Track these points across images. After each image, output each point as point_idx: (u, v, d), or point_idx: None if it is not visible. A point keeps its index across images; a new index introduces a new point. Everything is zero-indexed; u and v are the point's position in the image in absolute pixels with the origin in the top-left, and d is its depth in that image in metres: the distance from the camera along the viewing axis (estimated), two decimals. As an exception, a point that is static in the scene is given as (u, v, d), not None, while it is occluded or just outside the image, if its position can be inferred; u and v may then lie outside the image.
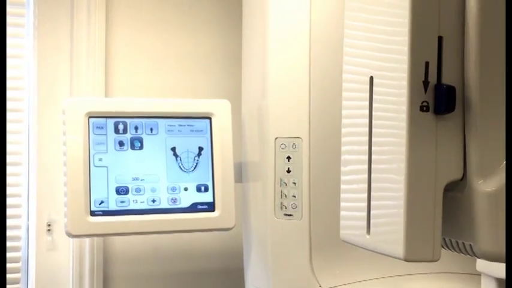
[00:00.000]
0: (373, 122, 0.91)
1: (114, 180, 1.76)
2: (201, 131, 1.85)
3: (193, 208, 1.82)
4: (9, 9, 2.03)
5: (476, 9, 0.85)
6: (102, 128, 1.76)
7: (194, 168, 1.84)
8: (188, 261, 2.27)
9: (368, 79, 0.92)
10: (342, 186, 1.00)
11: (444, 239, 0.90)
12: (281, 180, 1.75)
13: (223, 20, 2.31)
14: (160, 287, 2.25)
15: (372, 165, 0.91)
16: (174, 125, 1.83)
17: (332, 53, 1.67)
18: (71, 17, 2.12)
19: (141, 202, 1.78)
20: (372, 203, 0.91)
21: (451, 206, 0.87)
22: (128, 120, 1.79)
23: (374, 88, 0.91)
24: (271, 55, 1.76)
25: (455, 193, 0.87)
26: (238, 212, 1.90)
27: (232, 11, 2.22)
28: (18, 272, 2.10)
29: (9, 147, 2.04)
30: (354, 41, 0.99)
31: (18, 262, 2.10)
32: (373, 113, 0.91)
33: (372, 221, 0.91)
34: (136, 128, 1.80)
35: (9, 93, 2.02)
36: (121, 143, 1.78)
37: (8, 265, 2.04)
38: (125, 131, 1.79)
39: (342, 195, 1.00)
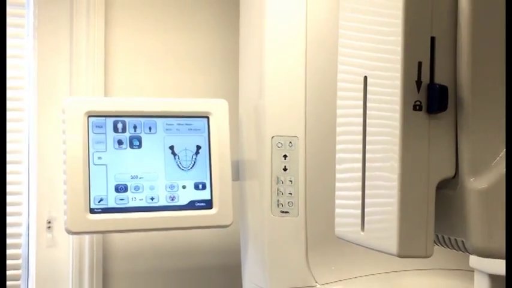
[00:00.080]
0: (367, 121, 0.92)
1: (113, 178, 1.77)
2: (199, 130, 1.86)
3: (191, 206, 1.83)
4: (9, 10, 2.03)
5: (469, 9, 0.85)
6: (101, 127, 1.77)
7: (192, 166, 1.84)
8: (186, 258, 2.27)
9: (362, 79, 0.93)
10: (337, 184, 1.00)
11: (437, 236, 0.91)
12: (278, 178, 1.76)
13: (221, 20, 2.32)
14: (159, 283, 2.25)
15: (366, 164, 0.92)
16: (173, 124, 1.84)
17: (328, 53, 1.67)
18: (71, 17, 2.12)
19: (140, 200, 1.79)
20: (366, 200, 0.92)
21: (443, 203, 0.88)
22: (126, 119, 1.80)
23: (368, 88, 0.92)
24: (267, 55, 1.76)
25: (448, 191, 0.87)
26: (236, 210, 1.90)
27: (229, 12, 2.22)
28: (18, 269, 2.10)
29: (10, 146, 2.05)
30: (348, 41, 0.99)
31: (19, 259, 2.10)
32: (367, 112, 0.92)
33: (366, 218, 0.92)
34: (135, 127, 1.80)
35: (9, 93, 2.03)
36: (120, 142, 1.79)
37: (8, 262, 2.04)
38: (123, 130, 1.79)
39: (337, 193, 1.00)
